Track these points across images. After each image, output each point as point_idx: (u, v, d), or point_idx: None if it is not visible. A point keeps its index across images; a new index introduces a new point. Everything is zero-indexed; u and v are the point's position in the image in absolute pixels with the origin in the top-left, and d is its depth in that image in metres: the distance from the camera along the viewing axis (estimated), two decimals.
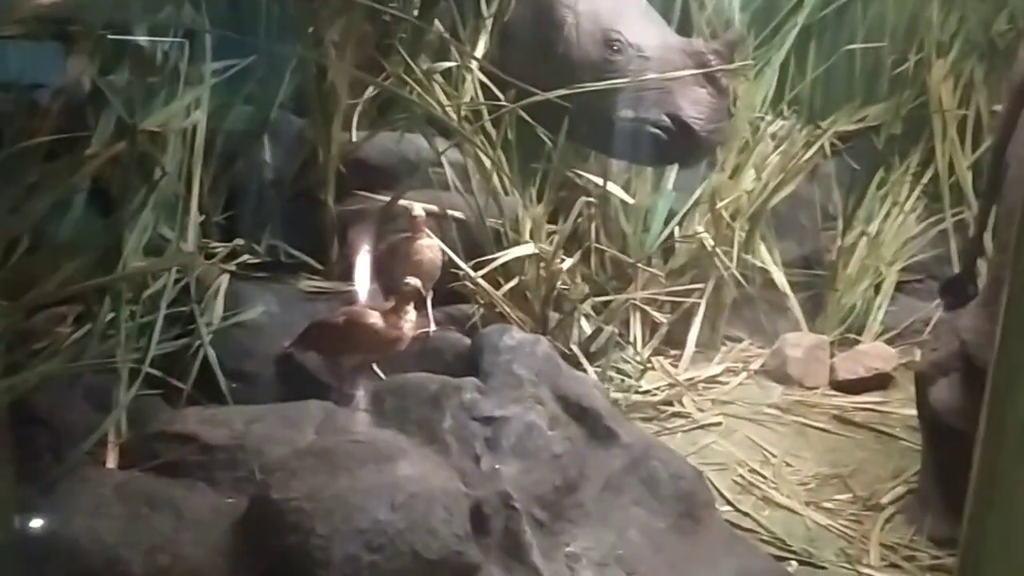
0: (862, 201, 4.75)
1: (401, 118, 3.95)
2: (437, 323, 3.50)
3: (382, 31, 4.03)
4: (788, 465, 3.68)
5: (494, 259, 3.70)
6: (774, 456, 3.72)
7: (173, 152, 3.25)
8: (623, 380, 4.05)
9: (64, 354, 2.87)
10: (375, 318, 3.12)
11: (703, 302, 4.43)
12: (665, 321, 4.29)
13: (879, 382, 4.27)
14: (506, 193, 3.99)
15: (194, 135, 3.38)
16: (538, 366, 3.03)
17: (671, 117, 3.97)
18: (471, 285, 3.67)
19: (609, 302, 4.10)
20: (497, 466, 2.68)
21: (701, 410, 4.03)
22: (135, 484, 2.59)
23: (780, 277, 4.56)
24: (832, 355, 4.40)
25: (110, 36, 3.17)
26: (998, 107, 4.10)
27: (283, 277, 3.65)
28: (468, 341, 3.31)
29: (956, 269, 4.20)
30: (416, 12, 4.09)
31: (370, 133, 3.89)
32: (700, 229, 4.47)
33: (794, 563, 3.11)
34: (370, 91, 3.93)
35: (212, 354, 3.15)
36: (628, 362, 4.16)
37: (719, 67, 3.93)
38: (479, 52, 4.18)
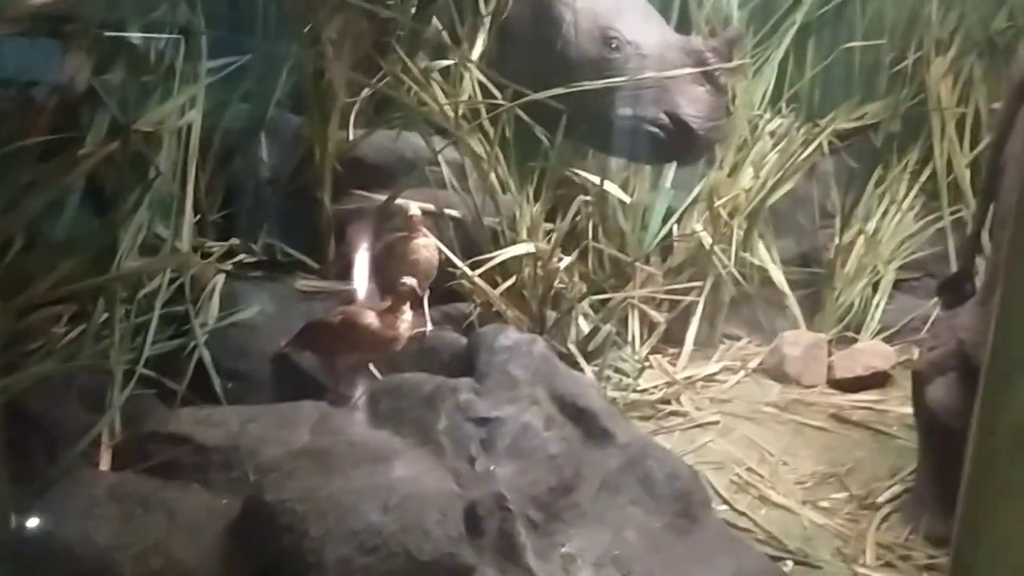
0: (860, 199, 4.74)
1: (397, 117, 3.94)
2: (434, 322, 3.50)
3: (380, 29, 4.01)
4: (785, 464, 3.67)
5: (491, 258, 3.69)
6: (771, 455, 3.72)
7: (168, 151, 3.23)
8: (621, 379, 4.04)
9: (59, 354, 2.86)
10: (371, 318, 3.12)
11: (701, 300, 4.42)
12: (663, 320, 4.29)
13: (877, 380, 4.26)
14: (504, 192, 3.98)
15: (189, 134, 3.37)
16: (534, 366, 3.03)
17: (669, 115, 3.96)
18: (468, 284, 3.67)
19: (607, 300, 4.09)
20: (492, 467, 2.67)
21: (699, 409, 4.02)
22: (128, 485, 2.59)
23: (778, 275, 4.55)
24: (830, 353, 4.39)
25: (105, 35, 3.16)
26: (997, 105, 4.08)
27: (279, 276, 3.64)
28: (465, 340, 3.31)
29: (954, 267, 4.19)
30: (414, 10, 4.08)
31: (367, 132, 3.89)
32: (698, 227, 4.46)
33: (790, 563, 3.11)
34: (367, 89, 3.93)
35: (207, 355, 3.14)
36: (626, 361, 4.15)
37: (717, 66, 3.92)
38: (477, 50, 4.17)
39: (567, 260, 3.84)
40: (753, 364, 4.42)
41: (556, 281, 3.78)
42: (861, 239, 4.60)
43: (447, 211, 3.80)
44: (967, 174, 4.67)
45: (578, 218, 4.12)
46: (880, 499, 3.43)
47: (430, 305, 3.51)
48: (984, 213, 3.22)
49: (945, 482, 3.14)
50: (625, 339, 4.23)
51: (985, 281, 3.07)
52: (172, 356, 3.15)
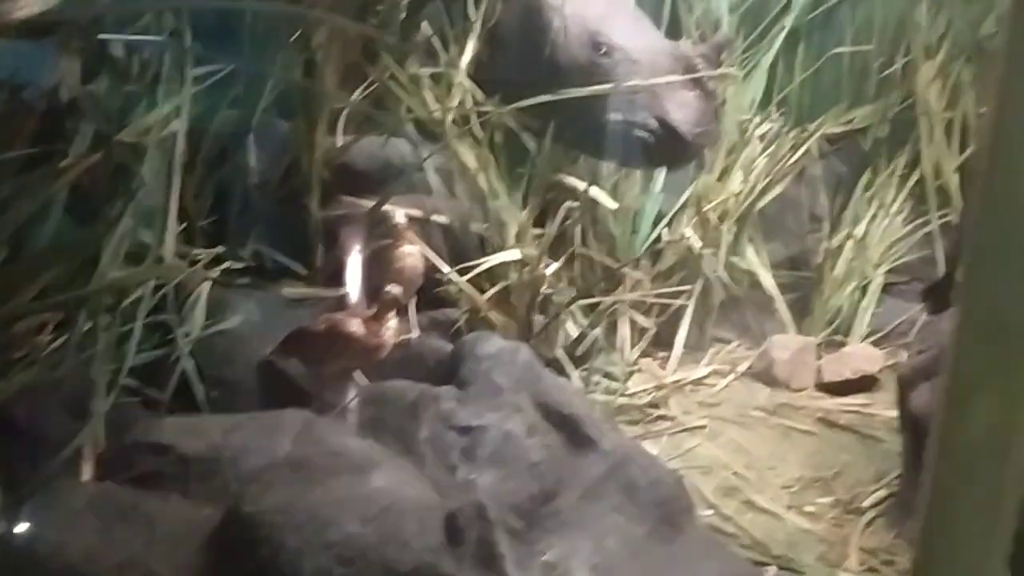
0: (849, 203, 4.75)
1: (385, 123, 3.95)
2: (422, 329, 3.50)
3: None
4: (772, 468, 3.69)
5: (477, 264, 3.70)
6: (758, 459, 3.73)
7: (154, 160, 3.24)
8: (610, 383, 4.05)
9: (43, 363, 2.87)
10: (356, 326, 3.12)
11: (691, 304, 4.43)
12: (650, 325, 4.30)
13: (865, 384, 4.26)
14: (493, 198, 3.99)
15: (175, 142, 3.37)
16: (518, 374, 3.03)
17: (658, 120, 3.96)
18: (455, 291, 3.68)
19: (597, 305, 4.10)
20: (472, 476, 2.69)
21: (687, 413, 4.04)
22: (108, 496, 2.59)
23: (768, 279, 4.56)
24: (819, 357, 4.39)
25: (90, 44, 3.17)
26: (985, 110, 4.09)
27: (267, 284, 3.65)
28: (450, 347, 3.32)
29: (942, 271, 4.21)
30: (404, 15, 4.09)
31: (355, 138, 3.90)
32: (688, 232, 4.47)
33: (773, 568, 3.12)
34: (357, 94, 3.94)
35: (190, 365, 3.15)
36: (616, 365, 4.16)
37: (705, 73, 3.93)
38: (467, 55, 4.18)
39: (554, 266, 3.84)
40: (742, 368, 4.42)
41: (543, 287, 3.79)
42: (850, 243, 4.61)
43: (434, 217, 3.81)
44: (955, 178, 4.68)
45: (569, 222, 4.12)
46: (865, 503, 3.44)
47: (418, 311, 3.52)
48: None
49: None
50: (614, 343, 4.24)
51: None
52: (158, 365, 3.16)
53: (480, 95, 4.04)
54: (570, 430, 3.00)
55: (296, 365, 3.27)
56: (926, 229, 4.68)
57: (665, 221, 4.51)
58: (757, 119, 4.70)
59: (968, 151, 4.64)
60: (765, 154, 4.59)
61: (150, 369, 3.13)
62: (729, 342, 4.60)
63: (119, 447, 2.80)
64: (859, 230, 4.64)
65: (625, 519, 2.92)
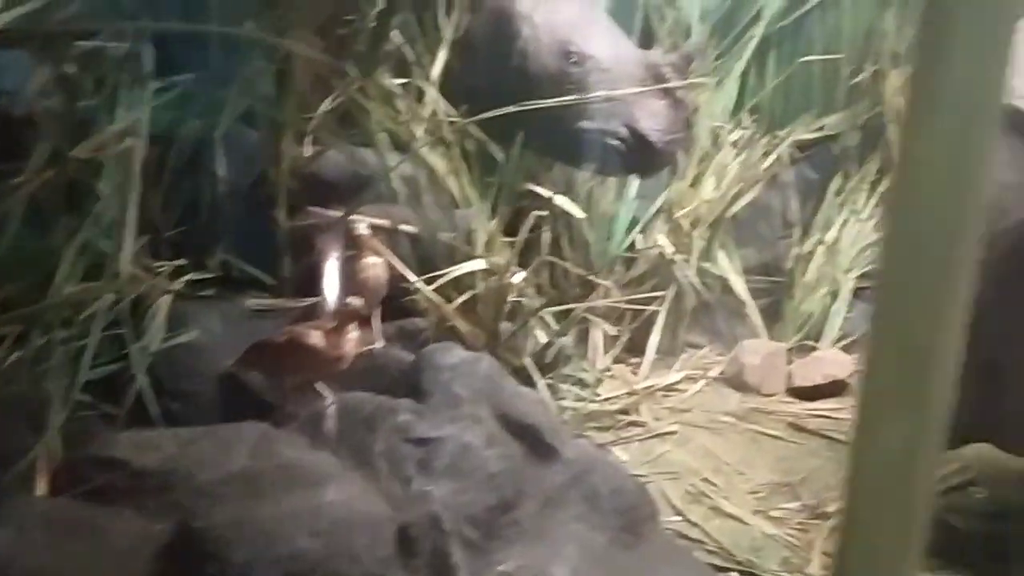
0: (820, 209, 4.76)
1: (354, 133, 3.96)
2: (389, 338, 3.51)
3: (339, 44, 4.03)
4: (740, 474, 3.70)
5: (444, 274, 3.71)
6: (727, 464, 3.74)
7: (114, 173, 3.23)
8: (580, 390, 4.06)
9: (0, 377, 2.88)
10: (316, 338, 3.12)
11: (663, 310, 4.44)
12: (617, 332, 4.30)
13: (835, 389, 4.29)
14: (463, 206, 3.99)
15: (134, 154, 3.37)
16: (478, 384, 3.02)
17: (629, 128, 3.97)
18: (423, 300, 3.69)
19: (568, 312, 4.11)
20: (427, 488, 2.69)
21: (657, 419, 4.05)
22: (60, 511, 2.59)
23: (739, 284, 4.57)
24: (790, 362, 4.42)
25: (51, 52, 3.17)
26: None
27: (232, 295, 3.64)
28: (413, 358, 3.32)
29: None
30: (374, 24, 4.09)
31: (322, 148, 3.90)
32: (661, 238, 4.48)
33: (735, 574, 3.13)
34: (325, 104, 3.94)
35: (144, 380, 3.13)
36: (588, 371, 4.17)
37: (675, 84, 3.93)
38: (438, 65, 4.18)
39: (521, 275, 3.85)
40: (714, 373, 4.44)
41: (511, 295, 3.79)
42: (821, 249, 4.63)
43: (402, 227, 3.82)
44: None
45: (540, 231, 4.13)
46: (831, 508, 3.45)
47: (385, 321, 3.52)
48: None
49: None
50: (585, 351, 4.24)
51: None
52: (115, 378, 3.15)
53: (450, 105, 4.04)
54: (531, 440, 2.99)
55: (257, 377, 3.28)
56: None
57: (638, 228, 4.53)
58: (729, 126, 4.72)
59: None
60: (737, 161, 4.62)
61: (108, 383, 3.13)
62: (701, 347, 4.62)
63: (74, 461, 2.81)
64: (830, 236, 4.67)
65: (586, 527, 2.93)
